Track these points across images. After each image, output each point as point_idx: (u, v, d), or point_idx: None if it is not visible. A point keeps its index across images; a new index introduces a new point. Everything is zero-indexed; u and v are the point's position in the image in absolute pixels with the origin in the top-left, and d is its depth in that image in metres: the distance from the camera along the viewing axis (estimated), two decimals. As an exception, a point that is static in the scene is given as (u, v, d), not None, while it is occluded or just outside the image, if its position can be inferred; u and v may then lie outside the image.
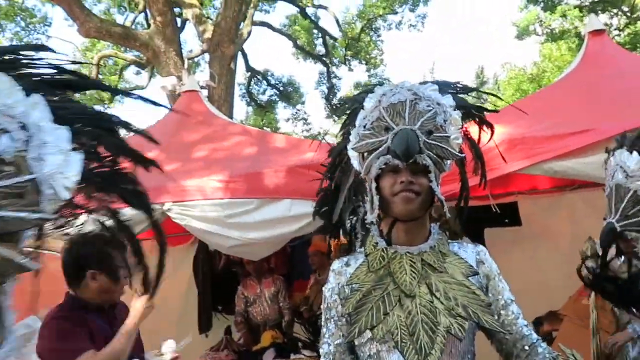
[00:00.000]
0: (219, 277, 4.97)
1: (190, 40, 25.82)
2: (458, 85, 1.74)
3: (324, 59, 16.21)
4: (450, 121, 1.49)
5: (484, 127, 1.83)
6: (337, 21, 15.02)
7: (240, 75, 15.61)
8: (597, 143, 2.83)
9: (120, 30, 10.02)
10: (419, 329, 1.39)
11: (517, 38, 16.68)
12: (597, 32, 4.31)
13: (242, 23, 11.49)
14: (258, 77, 16.42)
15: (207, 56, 11.03)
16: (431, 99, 1.48)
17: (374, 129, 1.47)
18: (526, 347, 1.47)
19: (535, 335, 1.50)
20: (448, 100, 1.52)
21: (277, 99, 17.67)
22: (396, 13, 15.53)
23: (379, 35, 16.90)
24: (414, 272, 1.46)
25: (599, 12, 14.12)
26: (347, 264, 1.56)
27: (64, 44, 14.97)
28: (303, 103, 18.63)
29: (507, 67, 19.83)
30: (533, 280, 4.29)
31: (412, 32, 15.93)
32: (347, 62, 16.36)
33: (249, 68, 15.05)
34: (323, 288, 1.55)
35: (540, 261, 4.64)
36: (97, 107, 14.36)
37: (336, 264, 1.58)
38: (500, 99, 3.22)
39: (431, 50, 44.56)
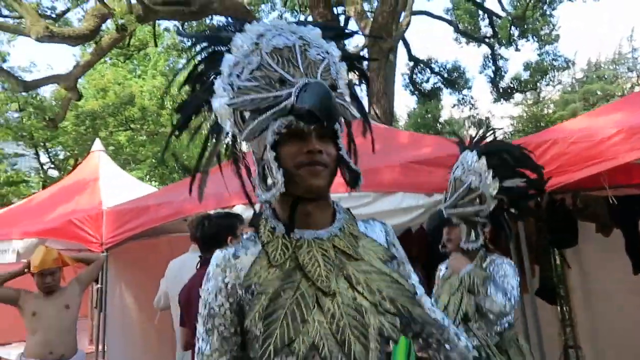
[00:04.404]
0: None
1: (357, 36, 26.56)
2: (344, 29, 1.41)
3: (487, 40, 15.57)
4: (340, 75, 1.18)
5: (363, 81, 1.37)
6: (500, 1, 14.30)
7: (404, 66, 15.72)
8: None
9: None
10: (347, 335, 1.08)
11: None
12: None
13: (402, 14, 11.64)
14: (421, 65, 16.43)
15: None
16: (320, 45, 1.17)
17: (261, 80, 1.12)
18: (441, 337, 1.32)
19: (447, 321, 1.34)
20: (334, 49, 1.20)
21: (442, 86, 17.50)
22: (569, -16, 14.19)
23: (553, 9, 15.63)
24: (328, 263, 1.14)
25: None
26: (235, 256, 1.18)
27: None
28: (469, 88, 18.19)
29: None
30: None
31: (586, 2, 14.36)
32: (512, 42, 15.44)
33: (411, 57, 15.15)
34: (201, 290, 1.20)
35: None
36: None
37: (219, 257, 1.19)
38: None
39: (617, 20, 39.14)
